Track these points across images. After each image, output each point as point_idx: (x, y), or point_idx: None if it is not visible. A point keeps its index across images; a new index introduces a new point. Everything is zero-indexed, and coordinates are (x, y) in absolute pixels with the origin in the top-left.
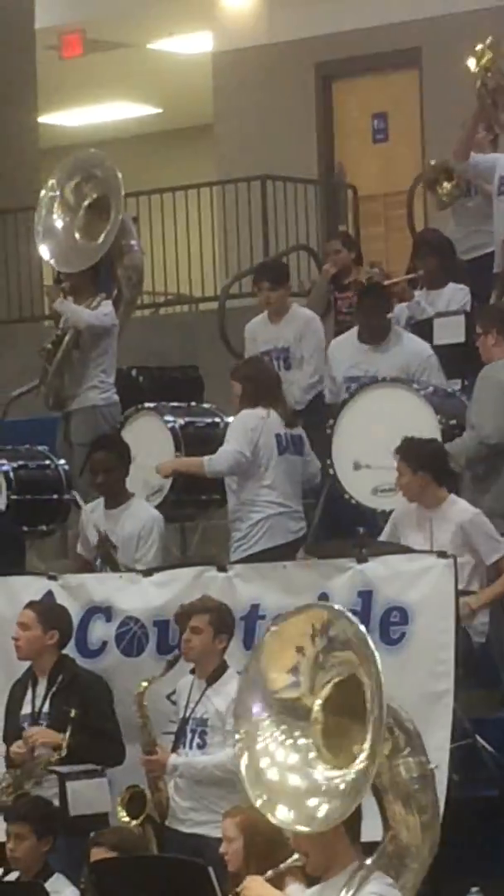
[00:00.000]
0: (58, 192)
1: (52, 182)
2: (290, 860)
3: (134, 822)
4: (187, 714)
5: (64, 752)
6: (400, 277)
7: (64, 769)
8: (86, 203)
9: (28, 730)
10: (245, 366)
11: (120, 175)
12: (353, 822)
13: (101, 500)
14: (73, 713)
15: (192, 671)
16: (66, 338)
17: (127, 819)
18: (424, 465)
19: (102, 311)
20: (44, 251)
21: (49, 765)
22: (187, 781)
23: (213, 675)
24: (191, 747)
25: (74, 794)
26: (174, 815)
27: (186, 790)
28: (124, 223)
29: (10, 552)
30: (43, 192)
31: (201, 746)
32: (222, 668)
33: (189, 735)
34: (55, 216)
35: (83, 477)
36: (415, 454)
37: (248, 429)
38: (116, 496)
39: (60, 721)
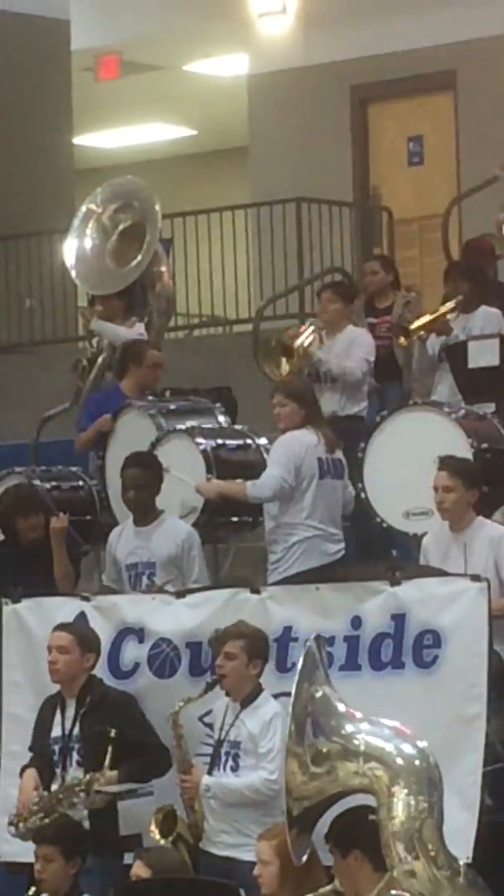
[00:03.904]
0: (100, 210)
1: (96, 198)
2: (328, 887)
3: (164, 841)
4: (222, 737)
5: (107, 773)
6: (426, 318)
7: (113, 788)
8: (119, 228)
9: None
10: (296, 383)
11: (158, 207)
12: (374, 850)
13: (125, 526)
14: (111, 733)
15: (228, 694)
16: (101, 357)
17: (158, 837)
18: (476, 481)
19: (137, 331)
20: (69, 258)
21: (96, 785)
22: (221, 804)
23: (248, 699)
24: (225, 770)
25: (126, 814)
26: (207, 837)
27: (220, 813)
28: (156, 250)
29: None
30: (84, 206)
31: (234, 769)
32: (257, 692)
33: (223, 758)
34: (88, 232)
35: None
36: (466, 470)
37: (292, 453)
38: (146, 513)
39: (92, 742)
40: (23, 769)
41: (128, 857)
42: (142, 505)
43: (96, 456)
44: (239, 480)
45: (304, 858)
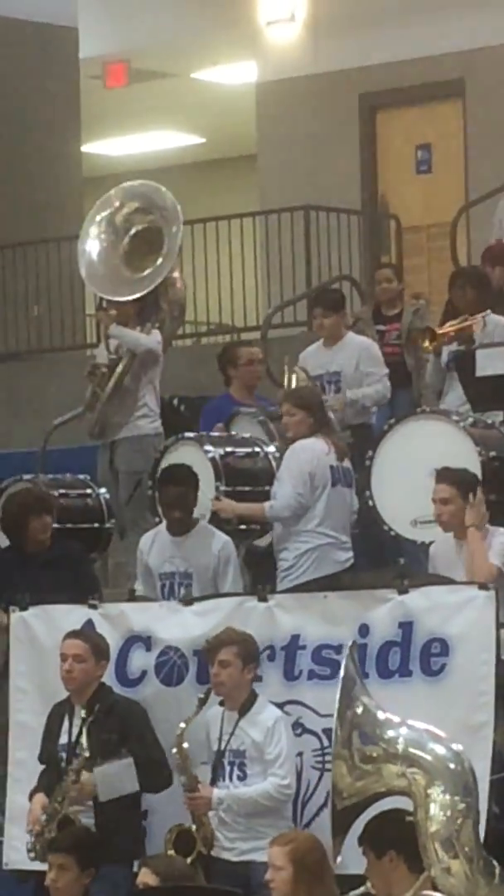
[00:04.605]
0: (116, 205)
1: (112, 196)
2: (360, 889)
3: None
4: (222, 747)
5: (84, 754)
6: (454, 323)
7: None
8: (132, 231)
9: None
10: (304, 392)
11: (181, 216)
12: (410, 851)
13: (157, 532)
14: (82, 712)
15: (221, 703)
16: (122, 363)
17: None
18: (474, 490)
19: (156, 339)
20: (81, 265)
21: (77, 770)
22: (232, 814)
23: (245, 706)
24: (231, 780)
25: (103, 779)
26: (220, 844)
27: (231, 823)
28: None
29: (84, 580)
30: (100, 202)
31: (242, 778)
32: (252, 699)
33: (227, 768)
34: (97, 230)
35: (130, 505)
36: (465, 481)
37: (304, 463)
38: (182, 524)
39: (99, 751)
40: (32, 792)
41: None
42: (183, 521)
43: None
44: (237, 491)
45: (339, 860)
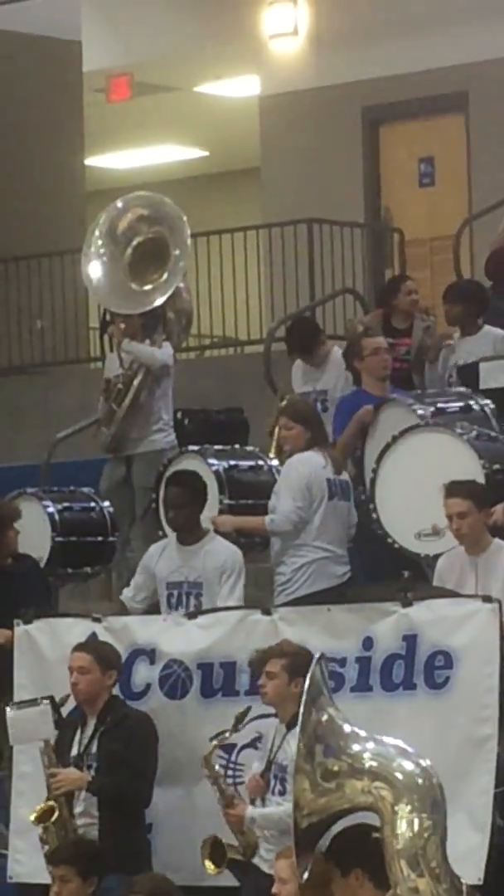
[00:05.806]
0: (121, 206)
1: (120, 200)
2: None
3: (217, 870)
4: (270, 758)
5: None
6: None
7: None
8: (134, 242)
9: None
10: (301, 405)
11: (188, 233)
12: (375, 868)
13: (168, 542)
14: (56, 699)
15: (275, 715)
16: (137, 380)
17: (214, 868)
18: (486, 501)
19: (167, 352)
20: (87, 280)
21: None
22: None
23: (293, 720)
24: (273, 793)
25: (14, 723)
26: (260, 855)
27: (271, 839)
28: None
29: (39, 600)
30: (106, 212)
31: (282, 793)
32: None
33: (272, 782)
34: (99, 243)
35: (145, 519)
36: (477, 491)
37: (302, 476)
38: (190, 532)
39: (108, 761)
40: None
41: None
42: (183, 524)
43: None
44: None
45: (305, 876)
